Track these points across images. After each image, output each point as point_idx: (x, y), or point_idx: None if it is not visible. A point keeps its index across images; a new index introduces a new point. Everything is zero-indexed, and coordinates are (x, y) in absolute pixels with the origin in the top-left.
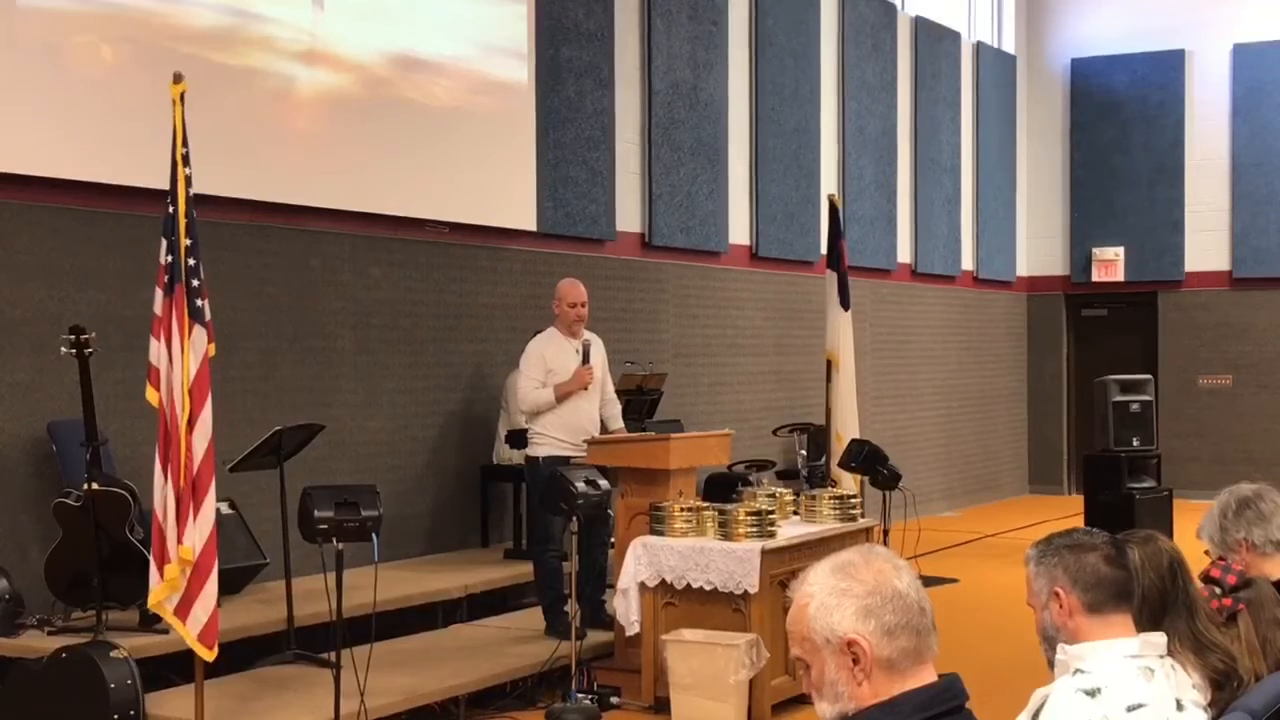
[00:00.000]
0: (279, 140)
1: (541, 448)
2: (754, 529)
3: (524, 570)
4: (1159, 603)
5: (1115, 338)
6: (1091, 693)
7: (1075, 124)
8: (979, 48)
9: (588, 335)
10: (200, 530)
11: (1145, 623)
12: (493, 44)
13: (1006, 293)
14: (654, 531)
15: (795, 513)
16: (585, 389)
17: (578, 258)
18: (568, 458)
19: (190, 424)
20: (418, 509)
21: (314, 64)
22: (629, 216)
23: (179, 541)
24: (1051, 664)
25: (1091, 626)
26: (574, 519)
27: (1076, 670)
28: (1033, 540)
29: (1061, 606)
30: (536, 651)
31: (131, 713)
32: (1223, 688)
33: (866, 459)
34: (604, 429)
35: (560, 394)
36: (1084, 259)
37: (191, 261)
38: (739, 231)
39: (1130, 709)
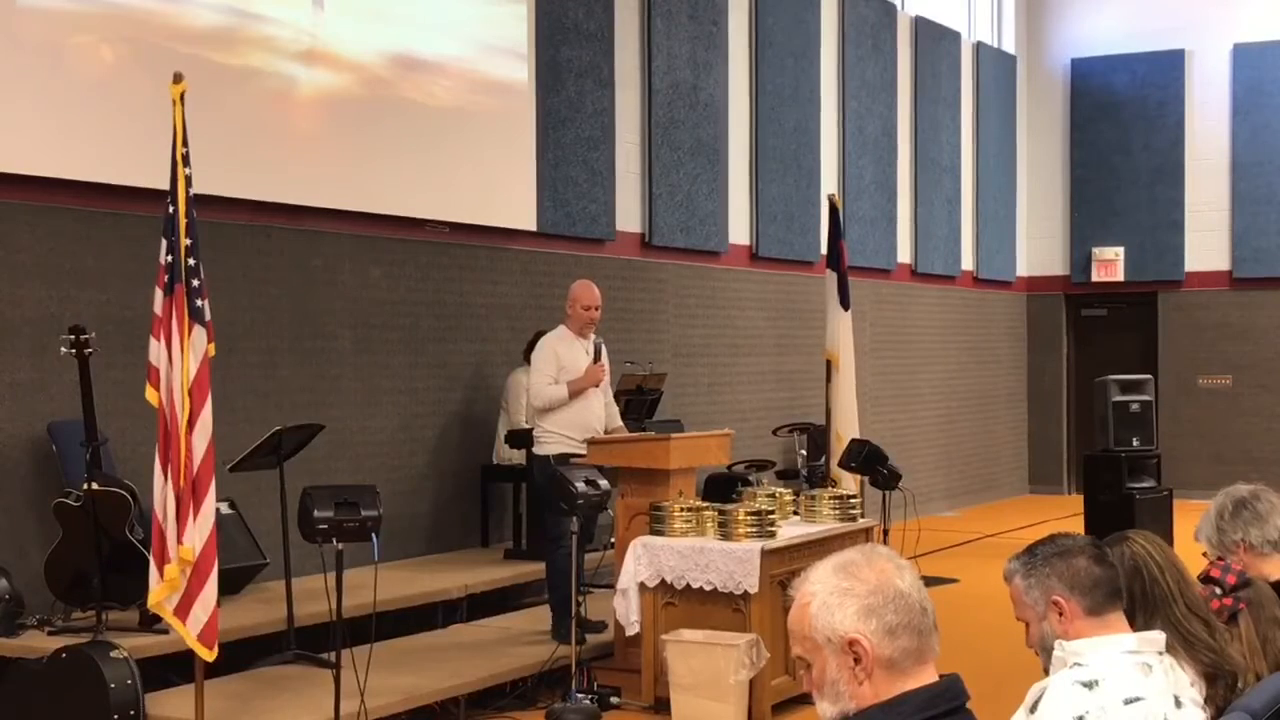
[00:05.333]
0: (279, 140)
1: (551, 445)
2: (754, 529)
3: (524, 570)
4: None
5: (1115, 338)
6: (1089, 684)
7: (1075, 124)
8: (979, 48)
9: (594, 338)
10: (200, 530)
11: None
12: (493, 44)
13: (1006, 293)
14: (654, 531)
15: (795, 513)
16: (597, 385)
17: (578, 258)
18: (579, 455)
19: (190, 424)
20: (418, 509)
21: (314, 64)
22: (629, 216)
23: (179, 541)
24: (1049, 673)
25: (1092, 628)
26: (574, 519)
27: (1074, 664)
28: (1033, 541)
29: (1063, 615)
30: (536, 651)
31: (131, 713)
32: (1215, 681)
33: (866, 459)
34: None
35: (573, 390)
36: (1084, 259)
37: (191, 261)
38: (739, 231)
39: (1127, 702)
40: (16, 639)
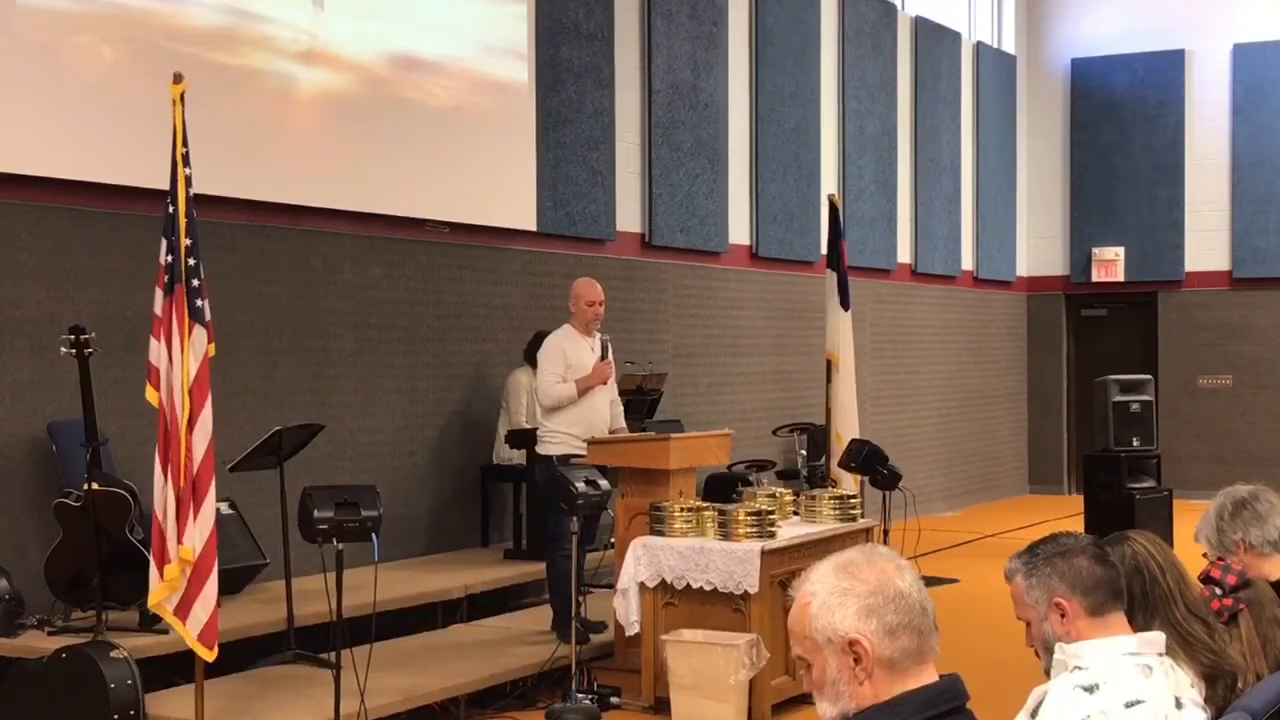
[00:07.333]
0: (279, 140)
1: (556, 446)
2: (754, 529)
3: (524, 570)
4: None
5: (1115, 338)
6: (1090, 688)
7: (1075, 124)
8: (979, 48)
9: (599, 335)
10: (200, 530)
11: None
12: (493, 44)
13: (1006, 293)
14: (654, 531)
15: (795, 513)
16: (605, 383)
17: (578, 258)
18: (582, 456)
19: (190, 424)
20: (418, 509)
21: (314, 64)
22: (629, 216)
23: (179, 541)
24: (1049, 673)
25: (1093, 629)
26: (574, 519)
27: (1075, 667)
28: (1031, 541)
29: (1064, 615)
30: (536, 651)
31: (131, 713)
32: (1215, 682)
33: (866, 459)
34: None
35: (582, 388)
36: (1084, 259)
37: (191, 261)
38: (739, 231)
39: (1128, 705)
40: (16, 639)
